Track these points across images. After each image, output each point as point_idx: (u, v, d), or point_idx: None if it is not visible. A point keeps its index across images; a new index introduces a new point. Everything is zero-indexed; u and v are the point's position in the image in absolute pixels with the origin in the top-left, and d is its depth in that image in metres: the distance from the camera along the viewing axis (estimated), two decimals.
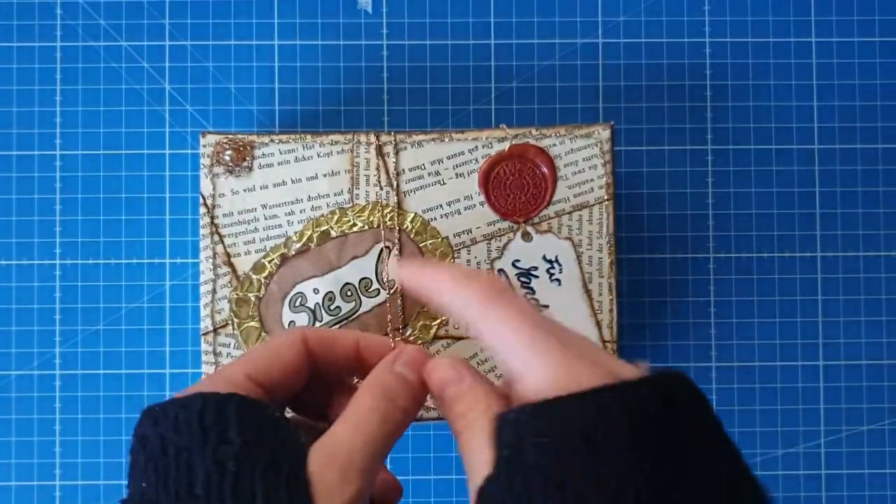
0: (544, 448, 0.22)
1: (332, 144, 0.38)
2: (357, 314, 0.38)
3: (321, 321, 0.38)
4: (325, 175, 0.38)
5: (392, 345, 0.29)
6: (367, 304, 0.38)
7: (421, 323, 0.38)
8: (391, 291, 0.38)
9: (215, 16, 0.46)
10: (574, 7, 0.47)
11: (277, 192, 0.38)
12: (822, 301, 0.47)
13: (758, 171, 0.47)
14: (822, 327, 0.47)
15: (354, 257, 0.38)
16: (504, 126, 0.38)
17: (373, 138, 0.38)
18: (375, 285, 0.38)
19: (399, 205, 0.38)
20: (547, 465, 0.22)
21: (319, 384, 0.30)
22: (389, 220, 0.38)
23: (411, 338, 0.38)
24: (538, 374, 0.24)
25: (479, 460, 0.24)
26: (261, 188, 0.38)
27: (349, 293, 0.38)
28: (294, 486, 0.24)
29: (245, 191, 0.38)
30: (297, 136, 0.38)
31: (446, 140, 0.38)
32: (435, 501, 0.46)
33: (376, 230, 0.38)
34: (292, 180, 0.38)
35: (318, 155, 0.38)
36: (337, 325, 0.38)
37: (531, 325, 0.25)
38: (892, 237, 0.47)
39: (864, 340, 0.47)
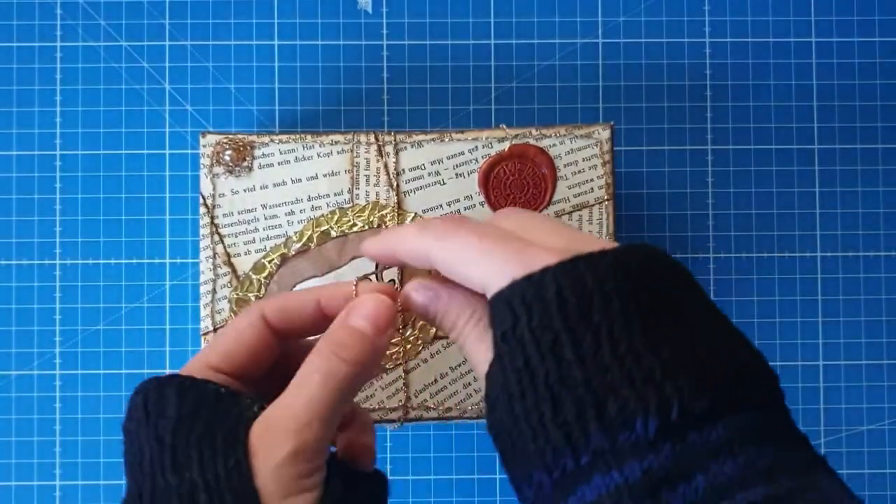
0: (532, 317, 0.23)
1: (332, 144, 0.38)
2: None
3: None
4: (325, 175, 0.38)
5: (354, 291, 0.28)
6: None
7: (421, 323, 0.38)
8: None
9: (215, 16, 0.46)
10: (574, 7, 0.47)
11: (277, 192, 0.38)
12: (821, 301, 0.47)
13: (758, 171, 0.47)
14: (821, 327, 0.47)
15: (354, 257, 0.38)
16: (504, 126, 0.38)
17: (373, 138, 0.38)
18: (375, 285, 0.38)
19: (399, 205, 0.38)
20: (535, 331, 0.23)
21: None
22: (389, 220, 0.38)
23: (411, 338, 0.38)
24: (496, 274, 0.24)
25: (481, 359, 0.25)
26: (261, 188, 0.38)
27: None
28: (230, 451, 0.25)
29: (245, 191, 0.38)
30: (297, 136, 0.38)
31: (446, 140, 0.38)
32: (435, 501, 0.46)
33: (376, 230, 0.38)
34: (292, 180, 0.38)
35: (318, 155, 0.38)
36: None
37: (487, 237, 0.25)
38: (892, 237, 0.47)
39: (864, 340, 0.47)
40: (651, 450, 0.21)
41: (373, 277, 0.38)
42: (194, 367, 0.28)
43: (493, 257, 0.25)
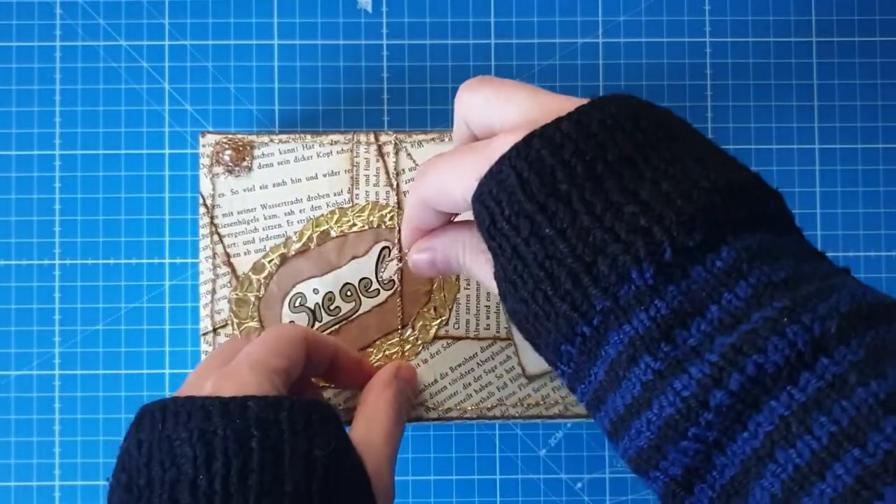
0: (504, 208, 0.23)
1: (331, 144, 0.38)
2: (357, 314, 0.38)
3: (321, 321, 0.38)
4: (324, 175, 0.38)
5: (358, 357, 0.34)
6: (367, 304, 0.38)
7: (421, 323, 0.38)
8: (391, 292, 0.38)
9: (215, 15, 0.46)
10: (574, 7, 0.47)
11: (277, 191, 0.38)
12: None
13: (758, 171, 0.47)
14: None
15: (354, 257, 0.38)
16: None
17: (372, 138, 0.38)
18: (375, 285, 0.38)
19: (399, 205, 0.38)
20: (511, 219, 0.23)
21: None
22: (389, 220, 0.38)
23: (411, 338, 0.38)
24: (468, 182, 0.25)
25: (487, 273, 0.26)
26: (260, 188, 0.38)
27: (349, 293, 0.38)
28: (362, 484, 0.26)
29: (245, 191, 0.38)
30: (297, 135, 0.38)
31: (446, 140, 0.38)
32: (435, 502, 0.46)
33: (376, 230, 0.38)
34: (292, 180, 0.38)
35: (318, 155, 0.38)
36: (337, 326, 0.38)
37: (454, 154, 0.27)
38: (893, 237, 0.47)
39: None
40: (655, 295, 0.21)
41: (372, 278, 0.38)
42: (272, 368, 0.28)
43: (462, 169, 0.25)
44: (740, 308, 0.20)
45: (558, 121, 0.23)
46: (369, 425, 0.29)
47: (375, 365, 0.37)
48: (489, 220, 0.24)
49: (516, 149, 0.23)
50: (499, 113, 0.26)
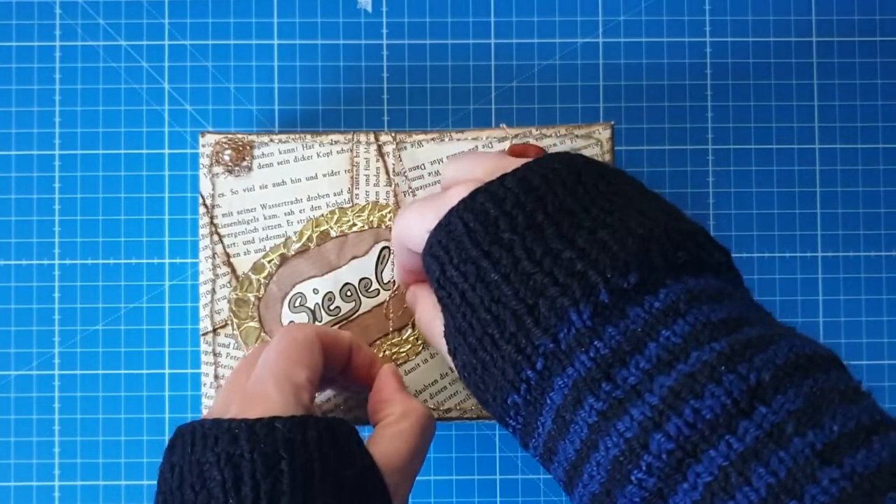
0: (452, 257, 0.25)
1: (331, 144, 0.38)
2: (357, 314, 0.38)
3: (321, 321, 0.38)
4: (324, 175, 0.38)
5: (372, 355, 0.34)
6: (367, 304, 0.38)
7: None
8: (392, 292, 0.38)
9: (214, 15, 0.46)
10: (574, 6, 0.47)
11: (277, 191, 0.38)
12: (822, 301, 0.47)
13: (759, 170, 0.47)
14: (822, 327, 0.47)
15: (354, 257, 0.38)
16: (504, 126, 0.38)
17: (372, 138, 0.38)
18: (375, 285, 0.38)
19: (398, 205, 0.38)
20: (459, 266, 0.25)
21: None
22: (389, 221, 0.38)
23: (410, 338, 0.38)
24: (422, 233, 0.28)
25: (438, 331, 0.28)
26: (260, 188, 0.38)
27: (349, 293, 0.38)
28: (385, 501, 0.26)
29: (244, 191, 0.38)
30: (297, 135, 0.38)
31: (446, 140, 0.38)
32: (435, 502, 0.46)
33: (376, 230, 0.38)
34: (292, 180, 0.38)
35: (318, 155, 0.38)
36: (337, 326, 0.38)
37: (417, 204, 0.29)
38: (893, 237, 0.47)
39: (865, 341, 0.47)
40: (595, 337, 0.22)
41: (372, 278, 0.38)
42: (298, 381, 0.28)
43: (422, 213, 0.27)
44: (678, 345, 0.21)
45: (503, 177, 0.25)
46: (393, 443, 0.28)
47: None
48: (439, 269, 0.25)
49: (463, 202, 0.25)
50: (458, 169, 0.29)
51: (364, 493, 0.25)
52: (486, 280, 0.24)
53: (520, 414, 0.24)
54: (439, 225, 0.26)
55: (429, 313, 0.30)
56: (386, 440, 0.28)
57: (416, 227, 0.28)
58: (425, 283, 0.31)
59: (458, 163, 0.30)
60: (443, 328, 0.27)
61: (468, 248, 0.24)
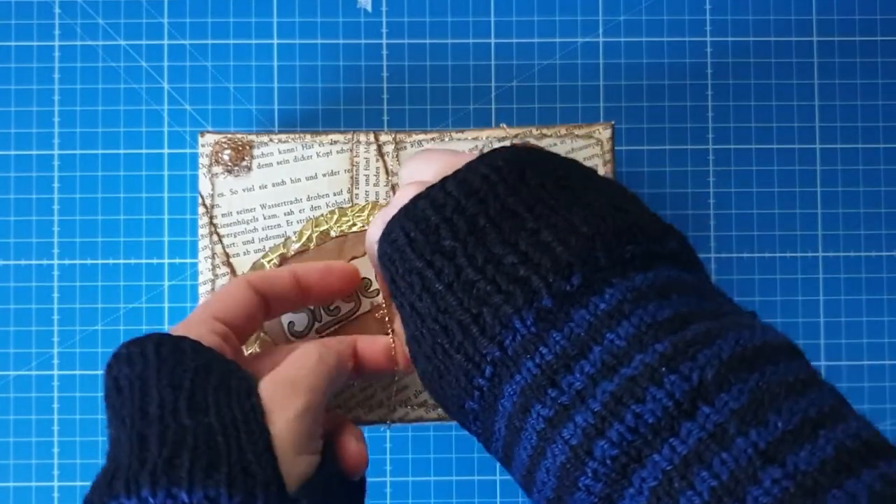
0: (398, 267, 0.25)
1: (331, 144, 0.38)
2: (357, 314, 0.38)
3: (320, 321, 0.38)
4: (324, 175, 0.38)
5: (326, 267, 0.34)
6: (367, 304, 0.38)
7: None
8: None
9: (214, 14, 0.46)
10: (574, 6, 0.47)
11: (276, 191, 0.38)
12: (823, 301, 0.47)
13: (759, 170, 0.47)
14: (823, 328, 0.47)
15: (354, 257, 0.38)
16: (504, 126, 0.38)
17: (372, 138, 0.38)
18: (375, 285, 0.38)
19: None
20: (405, 277, 0.25)
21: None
22: None
23: None
24: (374, 243, 0.27)
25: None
26: (260, 188, 0.38)
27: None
28: (246, 399, 0.26)
29: (244, 190, 0.38)
30: (297, 135, 0.38)
31: (446, 140, 0.38)
32: (435, 502, 0.45)
33: None
34: (291, 180, 0.38)
35: (318, 154, 0.38)
36: (336, 326, 0.38)
37: (378, 216, 0.28)
38: (894, 237, 0.47)
39: (866, 341, 0.47)
40: (540, 343, 0.21)
41: (372, 278, 0.38)
42: (197, 316, 0.29)
43: (373, 229, 0.27)
44: (622, 348, 0.20)
45: (444, 180, 0.24)
46: (292, 360, 0.29)
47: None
48: (390, 279, 0.25)
49: (404, 209, 0.25)
50: (409, 171, 0.28)
51: (208, 390, 0.26)
52: (431, 290, 0.24)
53: (478, 419, 0.24)
54: (383, 235, 0.25)
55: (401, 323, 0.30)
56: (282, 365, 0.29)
57: (372, 236, 0.28)
58: None
59: (409, 164, 0.29)
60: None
61: (411, 259, 0.24)
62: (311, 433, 0.26)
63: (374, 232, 0.27)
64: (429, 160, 0.28)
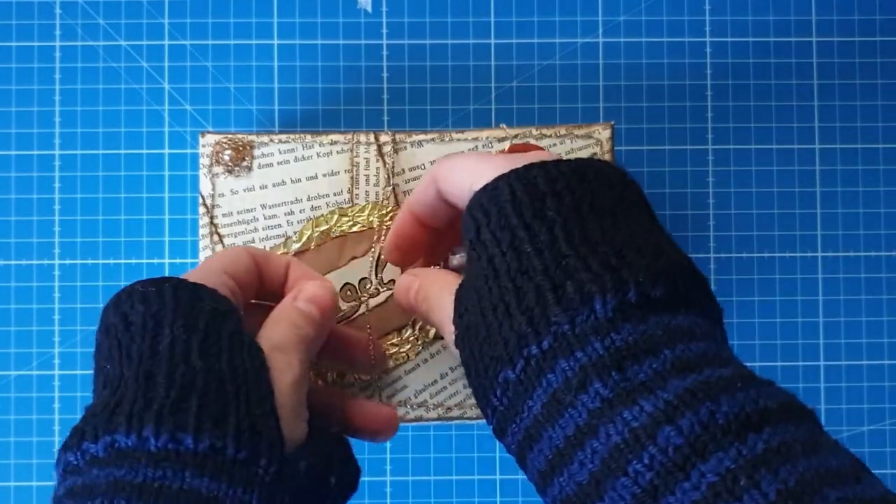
0: (491, 220, 0.25)
1: (331, 144, 0.38)
2: (357, 314, 0.38)
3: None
4: (324, 175, 0.38)
5: (316, 280, 0.32)
6: (367, 304, 0.38)
7: (421, 323, 0.38)
8: (391, 292, 0.38)
9: (214, 15, 0.46)
10: (574, 6, 0.47)
11: (277, 191, 0.38)
12: (822, 301, 0.47)
13: (759, 170, 0.47)
14: (822, 327, 0.47)
15: (354, 257, 0.38)
16: (504, 126, 0.38)
17: (372, 138, 0.38)
18: (375, 285, 0.38)
19: (399, 205, 0.38)
20: (495, 231, 0.25)
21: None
22: (389, 221, 0.38)
23: (410, 338, 0.38)
24: (464, 193, 0.27)
25: (447, 313, 0.27)
26: (260, 188, 0.38)
27: (349, 293, 0.38)
28: (257, 355, 0.26)
29: (244, 191, 0.38)
30: (297, 135, 0.38)
31: (446, 140, 0.38)
32: (435, 502, 0.46)
33: (376, 230, 0.38)
34: (292, 180, 0.38)
35: (318, 155, 0.38)
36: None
37: (459, 163, 0.28)
38: (893, 237, 0.47)
39: (865, 341, 0.47)
40: (612, 329, 0.22)
41: (372, 278, 0.38)
42: (210, 267, 0.29)
43: (470, 173, 0.27)
44: (692, 360, 0.21)
45: (559, 160, 0.26)
46: (272, 325, 0.28)
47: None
48: (475, 229, 0.25)
49: (516, 171, 0.25)
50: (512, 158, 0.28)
51: (222, 336, 0.26)
52: (519, 250, 0.24)
53: (506, 394, 0.24)
54: (486, 187, 0.25)
55: (442, 282, 0.29)
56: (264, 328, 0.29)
57: (464, 178, 0.27)
58: (452, 273, 0.31)
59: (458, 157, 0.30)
60: (453, 297, 0.27)
61: (509, 216, 0.24)
62: (303, 399, 0.27)
63: (470, 176, 0.27)
64: (529, 153, 0.28)
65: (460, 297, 0.26)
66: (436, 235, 0.33)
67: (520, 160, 0.26)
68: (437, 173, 0.29)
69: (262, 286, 0.32)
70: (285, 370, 0.26)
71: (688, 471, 0.19)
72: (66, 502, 0.23)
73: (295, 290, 0.31)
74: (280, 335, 0.28)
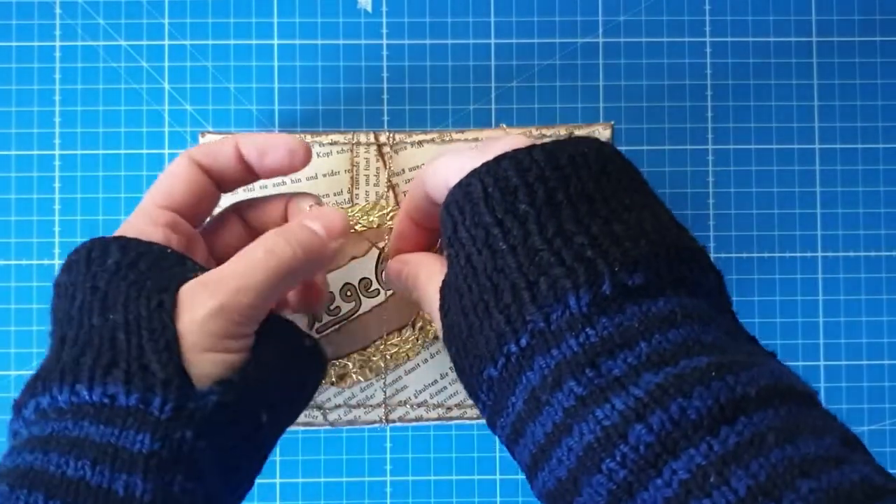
0: (465, 218, 0.25)
1: (331, 144, 0.38)
2: (357, 314, 0.38)
3: (321, 321, 0.38)
4: (324, 175, 0.38)
5: (267, 140, 0.30)
6: (367, 304, 0.38)
7: (420, 323, 0.38)
8: (391, 292, 0.38)
9: (214, 15, 0.46)
10: (574, 6, 0.47)
11: (277, 191, 0.38)
12: (822, 301, 0.47)
13: (759, 170, 0.47)
14: (822, 327, 0.47)
15: (354, 257, 0.38)
16: (504, 126, 0.38)
17: (372, 138, 0.38)
18: (375, 285, 0.38)
19: (398, 205, 0.38)
20: (470, 229, 0.25)
21: (274, 200, 0.33)
22: (389, 220, 0.38)
23: (410, 338, 0.38)
24: (442, 189, 0.27)
25: (434, 298, 0.27)
26: (260, 188, 0.38)
27: (349, 293, 0.38)
28: (155, 296, 0.25)
29: (244, 190, 0.38)
30: (297, 135, 0.38)
31: (446, 140, 0.38)
32: (435, 502, 0.45)
33: (376, 230, 0.38)
34: (291, 180, 0.38)
35: (318, 155, 0.38)
36: (336, 325, 0.38)
37: (440, 160, 0.28)
38: (893, 237, 0.47)
39: (866, 341, 0.47)
40: (587, 324, 0.22)
41: (372, 278, 0.38)
42: (143, 207, 0.29)
43: (460, 159, 0.26)
44: (669, 351, 0.21)
45: (531, 147, 0.25)
46: (235, 257, 0.27)
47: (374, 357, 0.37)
48: (451, 227, 0.25)
49: (486, 165, 0.25)
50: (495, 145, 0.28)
51: (118, 288, 0.26)
52: (493, 248, 0.24)
53: (492, 390, 0.24)
54: (459, 184, 0.25)
55: (428, 270, 0.29)
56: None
57: (442, 176, 0.27)
58: (440, 256, 0.31)
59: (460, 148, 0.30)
60: (439, 287, 0.27)
61: (482, 213, 0.24)
62: (226, 334, 0.25)
63: (446, 174, 0.27)
64: (508, 140, 0.27)
65: (444, 294, 0.26)
66: (434, 236, 0.33)
67: (491, 151, 0.25)
68: (423, 174, 0.29)
69: (224, 181, 0.31)
70: (196, 304, 0.25)
71: (660, 468, 0.19)
72: (1, 462, 0.24)
73: (315, 211, 0.30)
74: (228, 263, 0.27)
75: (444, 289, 0.26)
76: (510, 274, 0.23)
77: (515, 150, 0.25)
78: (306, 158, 0.31)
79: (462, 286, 0.25)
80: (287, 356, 0.29)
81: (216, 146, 0.31)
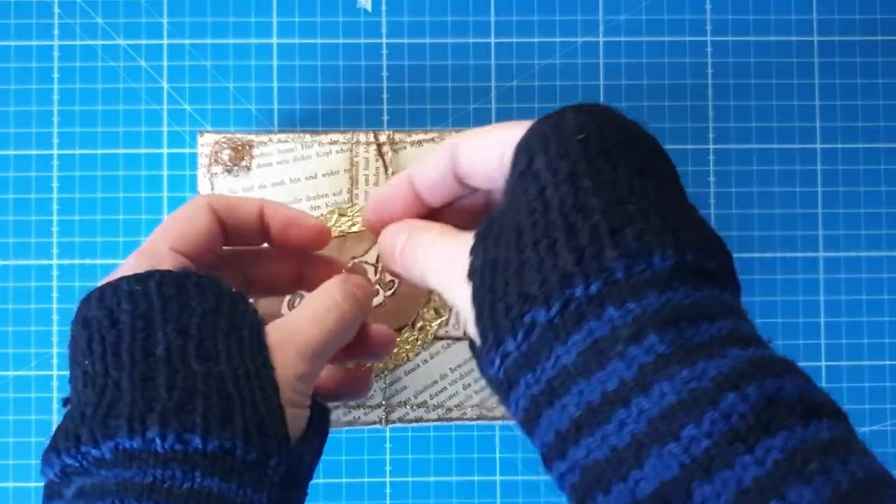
0: (549, 150, 0.23)
1: (331, 144, 0.38)
2: None
3: None
4: (324, 175, 0.38)
5: (295, 213, 0.30)
6: None
7: (421, 323, 0.38)
8: (391, 292, 0.38)
9: (213, 14, 0.46)
10: (575, 5, 0.46)
11: (276, 191, 0.38)
12: (824, 301, 0.47)
13: (760, 170, 0.47)
14: (824, 328, 0.47)
15: (354, 257, 0.38)
16: None
17: (372, 137, 0.38)
18: (375, 286, 0.38)
19: None
20: (553, 161, 0.23)
21: (286, 260, 0.32)
22: None
23: (410, 338, 0.38)
24: (514, 135, 0.25)
25: (442, 258, 0.26)
26: (259, 188, 0.38)
27: None
28: (257, 352, 0.25)
29: (243, 190, 0.38)
30: (296, 135, 0.38)
31: (446, 139, 0.38)
32: (435, 502, 0.45)
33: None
34: (291, 180, 0.38)
35: (317, 154, 0.38)
36: None
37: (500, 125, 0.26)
38: (894, 237, 0.47)
39: (867, 341, 0.47)
40: (668, 287, 0.20)
41: (372, 279, 0.38)
42: (156, 249, 0.28)
43: (492, 151, 0.25)
44: (747, 335, 0.20)
45: (624, 117, 0.24)
46: (303, 313, 0.27)
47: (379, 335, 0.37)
48: (527, 160, 0.23)
49: (584, 106, 0.24)
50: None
51: (218, 334, 0.25)
52: (578, 185, 0.22)
53: (529, 337, 0.21)
54: (547, 117, 0.24)
55: (434, 231, 0.27)
56: (297, 310, 0.28)
57: (494, 149, 0.25)
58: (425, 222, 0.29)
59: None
60: (449, 242, 0.25)
61: (571, 147, 0.22)
62: (306, 392, 0.26)
63: (494, 149, 0.25)
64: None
65: (488, 230, 0.24)
66: (427, 213, 0.30)
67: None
68: (456, 150, 0.27)
69: (233, 236, 0.30)
70: (289, 366, 0.25)
71: (751, 444, 0.17)
72: (76, 502, 0.23)
73: (344, 276, 0.30)
74: (301, 324, 0.27)
75: (491, 224, 0.24)
76: (591, 215, 0.21)
77: (609, 108, 0.24)
78: (327, 243, 0.31)
79: (524, 220, 0.22)
80: (320, 413, 0.29)
81: (237, 202, 0.30)
